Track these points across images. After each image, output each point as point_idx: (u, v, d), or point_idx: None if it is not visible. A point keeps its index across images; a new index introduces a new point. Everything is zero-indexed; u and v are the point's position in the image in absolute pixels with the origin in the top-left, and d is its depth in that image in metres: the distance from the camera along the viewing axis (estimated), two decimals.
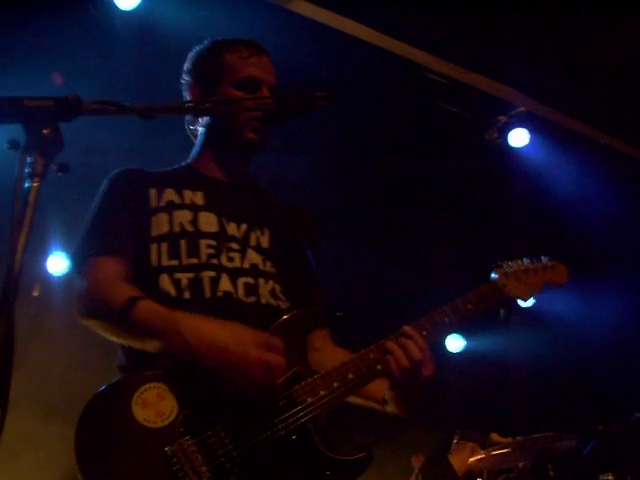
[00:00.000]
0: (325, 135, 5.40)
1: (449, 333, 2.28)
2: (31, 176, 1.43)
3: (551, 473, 4.80)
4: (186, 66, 2.50)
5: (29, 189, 1.42)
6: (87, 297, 2.14)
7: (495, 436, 5.06)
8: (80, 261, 2.21)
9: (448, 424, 5.88)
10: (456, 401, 6.32)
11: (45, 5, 4.39)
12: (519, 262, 2.50)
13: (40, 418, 4.81)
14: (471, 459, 5.08)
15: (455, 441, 5.65)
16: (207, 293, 2.18)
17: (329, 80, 5.14)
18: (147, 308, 2.05)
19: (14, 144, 1.44)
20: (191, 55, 2.50)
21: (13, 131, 1.46)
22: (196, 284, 2.18)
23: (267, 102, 2.28)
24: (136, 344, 2.08)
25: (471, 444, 5.54)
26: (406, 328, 2.15)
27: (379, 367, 2.12)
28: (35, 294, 4.81)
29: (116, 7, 4.61)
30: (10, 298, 1.36)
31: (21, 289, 1.39)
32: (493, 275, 2.46)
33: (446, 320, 2.24)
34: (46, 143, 1.45)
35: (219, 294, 2.18)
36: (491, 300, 2.37)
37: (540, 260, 2.54)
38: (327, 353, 2.30)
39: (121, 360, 2.18)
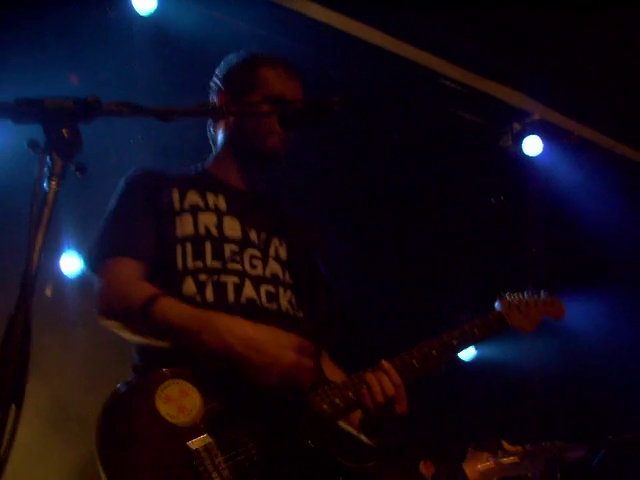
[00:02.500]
0: (336, 142, 5.40)
1: (454, 354, 2.35)
2: (50, 176, 1.44)
3: None
4: (219, 71, 2.51)
5: (48, 189, 1.44)
6: (106, 297, 2.15)
7: (505, 444, 5.04)
8: (97, 261, 2.22)
9: (459, 432, 5.87)
10: (466, 409, 6.30)
11: (64, 9, 4.41)
12: (520, 295, 2.63)
13: (55, 416, 4.84)
14: (479, 466, 5.07)
15: (470, 450, 5.63)
16: (231, 298, 2.20)
17: (341, 85, 5.14)
18: (172, 305, 2.08)
19: (34, 144, 1.46)
20: (227, 61, 2.53)
21: (33, 131, 1.47)
22: (220, 288, 2.20)
23: (286, 108, 2.30)
24: (160, 342, 2.09)
25: (486, 453, 5.52)
26: (383, 363, 2.18)
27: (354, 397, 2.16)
28: (47, 293, 4.84)
29: (134, 11, 4.64)
30: (27, 297, 1.37)
31: (36, 289, 1.41)
32: (497, 305, 2.58)
33: (454, 343, 2.33)
34: (65, 144, 1.46)
35: (243, 300, 2.20)
36: (496, 328, 2.50)
37: (539, 294, 2.67)
38: (328, 371, 2.30)
39: (136, 361, 2.20)
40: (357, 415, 2.23)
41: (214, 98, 2.49)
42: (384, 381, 2.13)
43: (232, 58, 2.53)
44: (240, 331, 2.00)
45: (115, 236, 2.24)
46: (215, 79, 2.52)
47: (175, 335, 2.05)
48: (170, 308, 2.06)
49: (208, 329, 2.00)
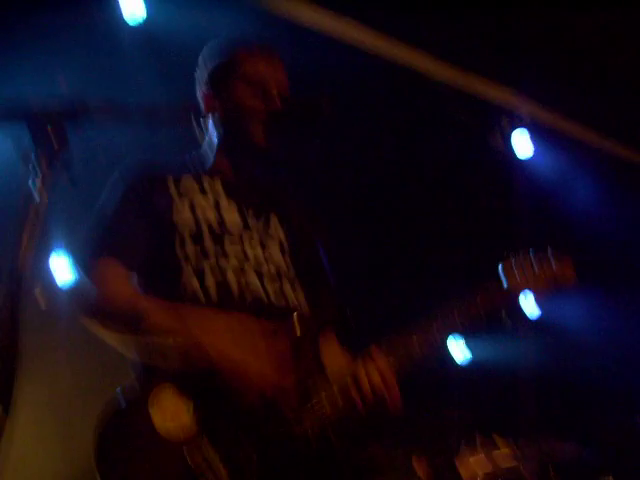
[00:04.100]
0: (325, 142, 5.39)
1: (460, 330, 2.24)
2: (36, 175, 1.43)
3: (552, 477, 4.80)
4: (199, 60, 2.50)
5: (34, 187, 1.43)
6: (90, 298, 2.13)
7: (497, 440, 5.05)
8: (84, 261, 2.20)
9: (452, 429, 5.87)
10: (459, 407, 6.32)
11: (52, 15, 4.39)
12: (525, 255, 2.53)
13: (49, 415, 4.82)
14: (471, 459, 5.08)
15: (463, 447, 5.64)
16: (231, 281, 2.18)
17: (329, 86, 5.13)
18: (155, 309, 2.06)
19: (19, 143, 1.45)
20: (205, 49, 2.51)
21: (19, 130, 1.47)
22: (219, 272, 2.18)
23: (275, 106, 2.29)
24: (142, 351, 2.08)
25: (479, 450, 5.53)
26: (372, 349, 2.14)
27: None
28: (37, 294, 4.81)
29: (122, 16, 4.62)
30: (15, 296, 1.37)
31: (25, 287, 1.40)
32: (500, 267, 2.49)
33: (457, 318, 2.27)
34: (51, 142, 1.46)
35: (243, 283, 2.18)
36: (498, 296, 2.42)
37: (546, 252, 2.57)
38: (331, 355, 2.29)
39: (135, 359, 2.18)
40: None
41: (198, 89, 2.48)
42: (372, 373, 2.07)
43: (210, 45, 2.52)
44: (223, 350, 1.96)
45: (103, 236, 2.22)
46: (197, 69, 2.51)
47: (157, 339, 2.03)
48: (153, 312, 2.05)
49: (193, 351, 1.97)
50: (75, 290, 2.15)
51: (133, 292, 2.12)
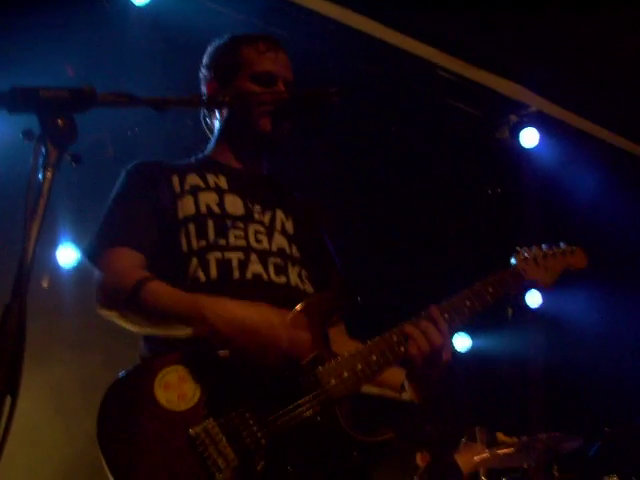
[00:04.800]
0: (333, 133, 5.39)
1: (469, 317, 2.24)
2: (45, 166, 1.43)
3: (556, 474, 4.80)
4: (204, 60, 2.52)
5: (43, 179, 1.43)
6: (103, 288, 2.13)
7: (500, 435, 5.05)
8: (96, 252, 2.20)
9: (455, 423, 5.87)
10: (463, 400, 6.32)
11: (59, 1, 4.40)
12: (537, 248, 2.49)
13: (53, 409, 4.85)
14: (475, 457, 5.08)
15: (463, 441, 5.64)
16: (236, 274, 2.17)
17: (338, 76, 5.13)
18: (160, 289, 2.04)
19: (29, 134, 1.45)
20: (209, 49, 2.53)
21: (28, 121, 1.47)
22: (224, 266, 2.18)
23: (282, 96, 2.30)
24: (158, 331, 2.07)
25: (479, 444, 5.53)
26: (432, 309, 2.13)
27: (402, 349, 2.10)
28: (44, 285, 4.83)
29: (130, 2, 4.62)
30: (22, 288, 1.37)
31: (31, 280, 1.40)
32: (512, 260, 2.44)
33: (467, 303, 2.22)
34: (60, 133, 1.45)
35: (249, 276, 2.18)
36: (512, 284, 2.36)
37: (559, 246, 2.53)
38: (342, 345, 2.27)
39: (142, 351, 2.18)
40: (393, 375, 2.20)
41: (204, 88, 2.49)
42: (430, 329, 2.08)
43: (213, 46, 2.52)
44: (230, 317, 1.94)
45: (114, 227, 2.22)
46: (202, 69, 2.52)
47: (164, 321, 2.03)
48: (157, 292, 2.03)
49: (200, 320, 1.95)
50: (103, 284, 2.13)
51: (132, 277, 2.10)
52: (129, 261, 2.15)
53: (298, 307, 2.10)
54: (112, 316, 2.13)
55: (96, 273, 2.17)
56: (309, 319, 2.08)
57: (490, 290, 2.28)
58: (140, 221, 2.22)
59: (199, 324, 1.96)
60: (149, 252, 2.19)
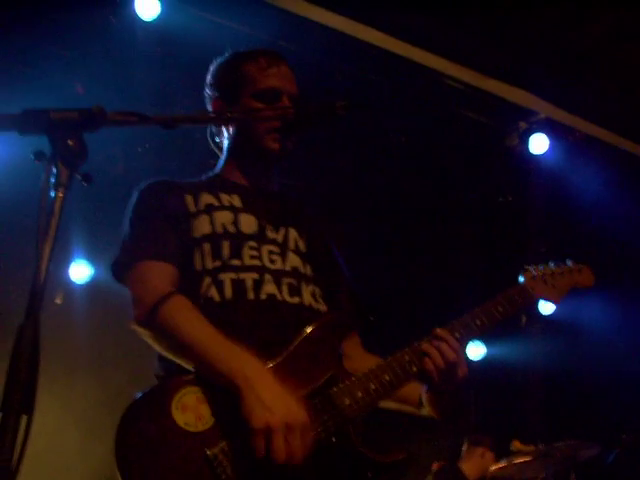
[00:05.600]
0: (342, 144, 5.41)
1: (479, 335, 2.27)
2: (56, 186, 1.45)
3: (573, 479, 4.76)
4: (208, 79, 2.52)
5: (54, 199, 1.44)
6: (136, 304, 2.11)
7: (517, 444, 5.02)
8: (125, 268, 2.18)
9: (470, 432, 5.85)
10: (477, 408, 6.29)
11: (67, 17, 4.43)
12: (545, 266, 2.51)
13: (67, 422, 4.87)
14: (492, 468, 5.05)
15: (465, 447, 5.62)
16: (250, 295, 2.17)
17: (347, 88, 5.15)
18: (182, 308, 2.05)
19: (39, 155, 1.47)
20: (212, 68, 2.52)
21: (39, 142, 1.48)
22: (239, 286, 2.18)
23: (287, 112, 2.30)
24: (174, 355, 2.06)
25: (481, 449, 5.51)
26: (438, 330, 2.16)
27: (414, 369, 2.13)
28: (57, 302, 4.86)
29: (137, 17, 4.65)
30: (36, 307, 1.38)
31: (45, 297, 1.41)
32: (520, 278, 2.46)
33: (477, 322, 2.25)
34: (71, 154, 1.47)
35: (263, 296, 2.17)
36: (520, 302, 2.38)
37: (566, 264, 2.56)
38: (358, 360, 2.29)
39: (157, 370, 2.18)
40: (411, 390, 2.21)
41: (210, 107, 2.49)
42: (442, 346, 2.12)
43: (216, 64, 2.52)
44: (269, 395, 1.90)
45: (141, 241, 2.20)
46: (206, 88, 2.52)
47: (181, 343, 2.02)
48: (179, 311, 2.04)
49: (237, 377, 1.92)
50: (135, 299, 2.12)
51: (157, 292, 2.09)
52: (161, 275, 2.14)
53: (308, 329, 2.10)
54: (145, 335, 2.10)
55: (128, 290, 2.15)
56: (322, 339, 2.09)
57: (500, 309, 2.31)
58: (165, 234, 2.21)
59: (235, 384, 1.93)
60: (178, 264, 2.19)
